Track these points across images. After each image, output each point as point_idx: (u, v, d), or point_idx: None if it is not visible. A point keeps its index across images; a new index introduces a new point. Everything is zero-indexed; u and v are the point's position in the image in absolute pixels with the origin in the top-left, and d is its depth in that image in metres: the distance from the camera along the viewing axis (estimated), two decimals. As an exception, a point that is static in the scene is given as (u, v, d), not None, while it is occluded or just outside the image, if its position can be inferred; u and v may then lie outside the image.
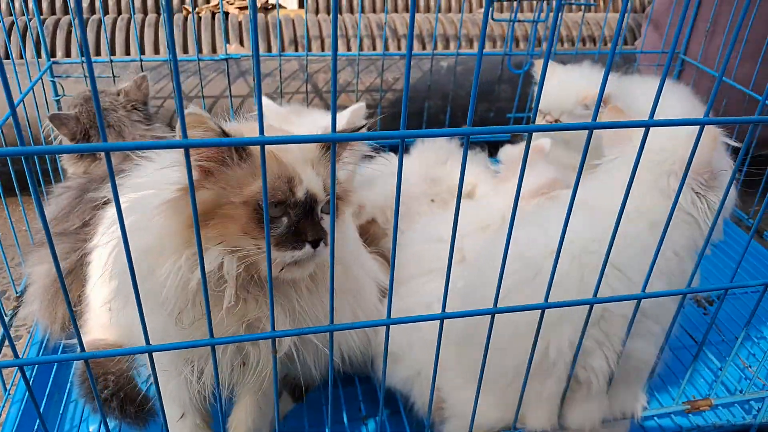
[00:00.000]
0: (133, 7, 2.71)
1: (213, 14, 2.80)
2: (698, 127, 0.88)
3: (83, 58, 2.04)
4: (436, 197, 1.74)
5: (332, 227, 0.81)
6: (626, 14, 2.55)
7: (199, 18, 2.71)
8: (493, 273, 0.93)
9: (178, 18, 2.66)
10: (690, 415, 1.36)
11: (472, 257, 1.43)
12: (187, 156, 0.71)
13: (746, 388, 1.43)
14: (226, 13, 2.89)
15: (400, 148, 0.78)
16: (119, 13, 2.83)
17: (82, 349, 0.84)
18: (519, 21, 2.34)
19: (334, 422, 1.31)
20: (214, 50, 2.61)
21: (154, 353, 1.03)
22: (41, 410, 1.31)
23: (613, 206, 0.93)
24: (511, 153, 1.66)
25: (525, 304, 0.97)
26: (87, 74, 0.63)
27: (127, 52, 2.51)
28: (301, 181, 0.91)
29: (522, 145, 1.73)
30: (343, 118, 1.59)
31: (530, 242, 1.14)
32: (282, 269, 0.92)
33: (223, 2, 2.99)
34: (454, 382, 1.24)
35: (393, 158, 1.85)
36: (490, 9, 2.29)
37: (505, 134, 2.05)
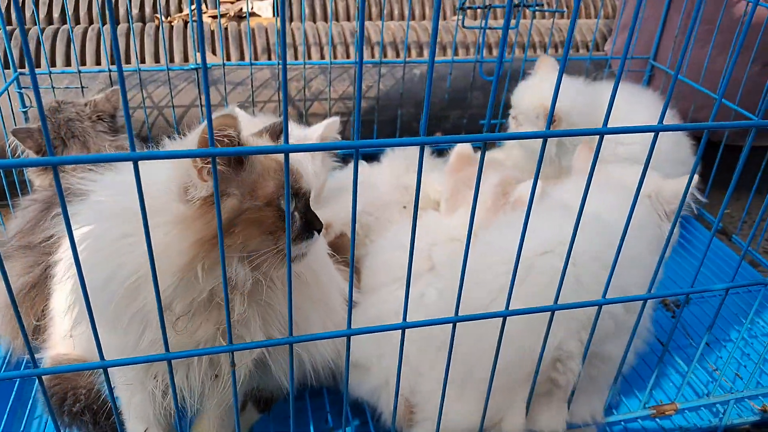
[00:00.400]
0: (102, 18, 2.68)
1: (185, 23, 2.79)
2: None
3: (50, 69, 2.03)
4: (409, 204, 1.74)
5: (288, 238, 0.80)
6: (576, 21, 2.57)
7: (171, 27, 2.69)
8: (480, 277, 0.94)
9: (149, 27, 2.64)
10: (657, 419, 1.37)
11: (441, 266, 1.43)
12: (136, 169, 0.71)
13: (712, 391, 1.44)
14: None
15: (355, 158, 0.78)
16: (90, 22, 2.81)
17: (36, 365, 0.84)
18: (490, 28, 2.35)
19: (300, 434, 1.31)
20: (186, 59, 2.60)
21: (116, 368, 1.03)
22: (2, 427, 1.30)
23: (598, 210, 0.96)
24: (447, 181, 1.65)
25: (485, 312, 0.97)
26: (32, 84, 0.62)
27: (98, 63, 2.48)
28: (301, 174, 0.97)
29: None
30: (318, 131, 1.59)
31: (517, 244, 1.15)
32: (293, 261, 0.96)
33: (196, 11, 2.97)
34: (432, 385, 1.24)
35: (364, 167, 1.86)
36: (463, 17, 2.30)
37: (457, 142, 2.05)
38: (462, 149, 1.62)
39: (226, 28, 2.71)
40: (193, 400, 1.07)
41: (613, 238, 1.13)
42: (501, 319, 0.98)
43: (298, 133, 1.65)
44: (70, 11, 2.73)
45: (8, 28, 2.43)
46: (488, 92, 2.39)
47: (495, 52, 2.86)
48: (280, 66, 2.27)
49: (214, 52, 2.61)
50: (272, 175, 0.93)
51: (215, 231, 0.88)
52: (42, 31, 2.47)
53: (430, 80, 0.74)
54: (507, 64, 2.30)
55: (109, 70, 2.08)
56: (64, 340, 1.30)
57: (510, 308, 0.97)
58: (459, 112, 2.48)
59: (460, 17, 2.31)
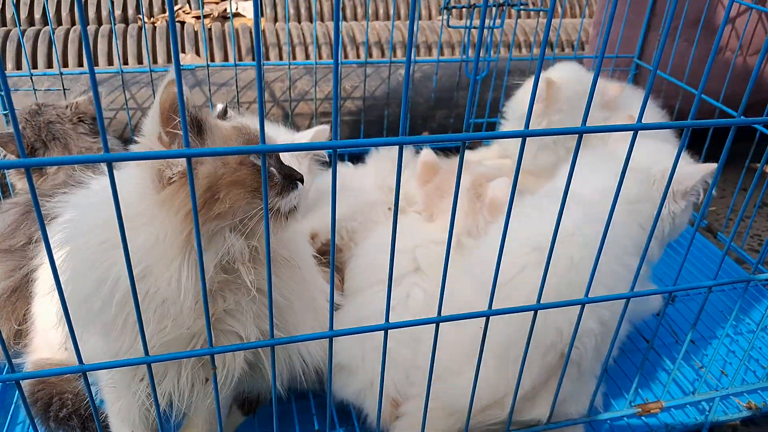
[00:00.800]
0: (85, 18, 2.66)
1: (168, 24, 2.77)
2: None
3: (32, 71, 2.01)
4: (393, 205, 1.72)
5: (267, 238, 0.79)
6: (552, 20, 2.57)
7: (154, 27, 2.68)
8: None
9: (132, 28, 2.62)
10: (643, 417, 1.37)
11: (427, 267, 1.42)
12: (110, 171, 0.70)
13: (698, 388, 1.44)
14: (182, 23, 2.86)
15: (333, 158, 0.77)
16: (73, 24, 2.79)
17: (13, 370, 0.83)
18: (475, 27, 2.35)
19: (285, 436, 1.30)
20: (170, 60, 2.58)
21: (104, 371, 1.02)
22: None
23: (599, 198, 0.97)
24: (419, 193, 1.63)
25: (468, 312, 0.97)
26: (3, 88, 0.62)
27: (81, 64, 2.46)
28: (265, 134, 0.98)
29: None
30: (306, 137, 1.58)
31: (539, 230, 1.19)
32: (287, 219, 0.97)
33: (180, 11, 2.96)
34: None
35: (348, 169, 1.85)
36: (448, 16, 2.30)
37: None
38: (425, 158, 1.60)
39: (210, 29, 2.69)
40: (181, 403, 1.05)
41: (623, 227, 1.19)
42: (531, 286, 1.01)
43: (285, 138, 1.63)
44: (51, 12, 2.71)
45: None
46: (475, 92, 2.39)
47: (482, 52, 2.86)
48: (265, 65, 2.26)
49: (198, 53, 2.59)
50: (234, 140, 0.96)
51: (201, 200, 0.87)
52: (23, 32, 2.45)
53: (407, 79, 0.73)
54: (492, 63, 2.30)
55: (92, 72, 2.05)
56: (47, 344, 1.29)
57: (528, 294, 0.97)
58: (446, 111, 2.48)
59: (445, 17, 2.31)
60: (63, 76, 2.02)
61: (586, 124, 0.83)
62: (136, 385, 1.04)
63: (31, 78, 1.99)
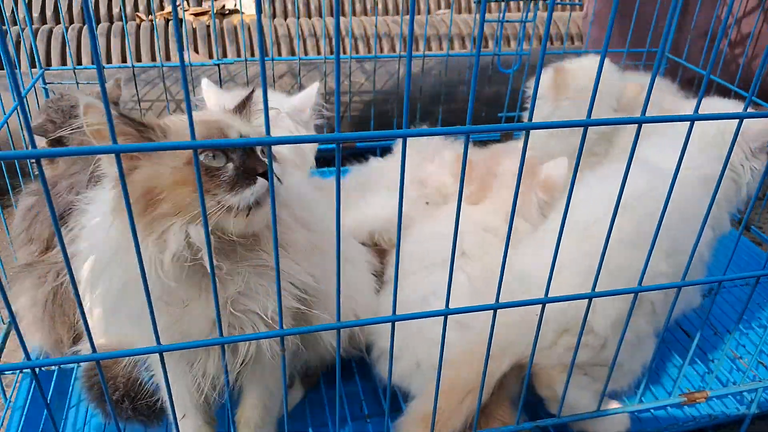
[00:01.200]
0: (125, 15, 2.71)
1: (167, 21, 2.81)
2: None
3: (74, 65, 2.05)
4: (428, 199, 1.74)
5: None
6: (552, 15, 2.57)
7: (152, 25, 2.71)
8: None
9: (130, 26, 2.66)
10: (685, 407, 1.38)
11: (472, 253, 1.43)
12: (196, 157, 0.72)
13: (740, 380, 1.45)
14: (180, 20, 2.89)
15: (403, 147, 0.79)
16: (98, 21, 2.84)
17: (94, 350, 0.85)
18: (507, 21, 2.36)
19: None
20: (167, 58, 2.63)
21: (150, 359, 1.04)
22: (43, 417, 1.33)
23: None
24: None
25: (525, 300, 0.99)
26: (98, 80, 0.64)
27: (108, 60, 2.54)
28: (230, 126, 0.95)
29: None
30: (298, 100, 1.58)
31: (637, 196, 1.20)
32: (248, 215, 0.90)
33: (180, 9, 3.01)
34: None
35: (378, 162, 1.88)
36: (483, 10, 2.31)
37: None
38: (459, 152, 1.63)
39: (207, 26, 2.73)
40: (217, 384, 1.07)
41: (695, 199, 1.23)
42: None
43: (279, 101, 1.57)
44: (75, 10, 2.80)
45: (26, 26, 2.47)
46: (497, 85, 2.40)
47: (491, 46, 2.87)
48: (269, 61, 2.28)
49: (196, 51, 2.63)
50: (184, 137, 0.92)
51: (142, 203, 0.86)
52: (51, 30, 2.52)
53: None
54: (524, 57, 2.31)
55: (132, 66, 2.10)
56: (102, 331, 1.31)
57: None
58: (445, 106, 2.49)
59: (459, 9, 2.32)
60: (104, 71, 2.07)
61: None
62: (181, 368, 1.07)
63: (74, 71, 2.04)
